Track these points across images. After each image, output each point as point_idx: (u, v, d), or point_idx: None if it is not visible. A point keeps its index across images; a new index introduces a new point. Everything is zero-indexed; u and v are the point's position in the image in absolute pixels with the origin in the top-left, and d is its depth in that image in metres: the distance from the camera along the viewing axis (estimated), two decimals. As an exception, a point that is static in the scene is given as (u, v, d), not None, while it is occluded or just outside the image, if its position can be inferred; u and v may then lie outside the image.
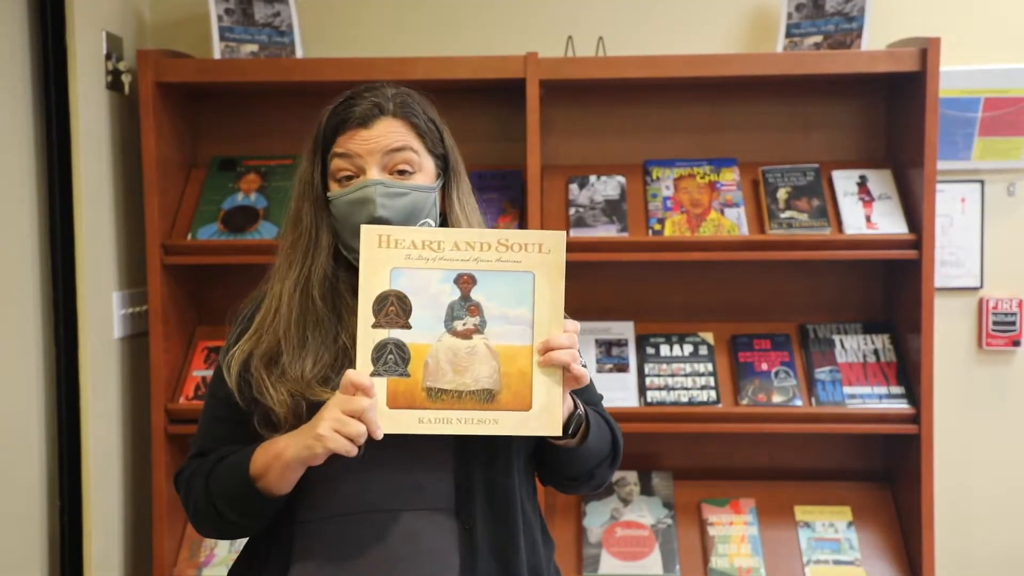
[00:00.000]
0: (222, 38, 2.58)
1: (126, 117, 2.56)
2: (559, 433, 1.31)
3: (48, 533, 2.33)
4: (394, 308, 1.29)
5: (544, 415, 1.29)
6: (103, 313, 2.44)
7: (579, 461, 1.43)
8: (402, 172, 1.40)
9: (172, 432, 2.50)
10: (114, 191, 2.52)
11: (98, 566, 2.39)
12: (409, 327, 1.29)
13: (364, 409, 1.25)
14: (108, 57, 2.48)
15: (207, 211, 2.59)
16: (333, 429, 1.25)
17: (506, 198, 2.59)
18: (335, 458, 1.28)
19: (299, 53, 2.61)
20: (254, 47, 2.60)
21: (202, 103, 2.72)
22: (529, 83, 2.42)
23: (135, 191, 2.58)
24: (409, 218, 1.40)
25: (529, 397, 1.29)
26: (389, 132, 1.40)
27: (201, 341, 2.65)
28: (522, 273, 1.30)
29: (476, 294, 1.30)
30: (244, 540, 1.50)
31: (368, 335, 1.29)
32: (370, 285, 1.30)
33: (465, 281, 1.30)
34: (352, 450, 1.25)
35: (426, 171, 1.43)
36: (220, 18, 2.57)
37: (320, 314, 1.39)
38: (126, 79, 2.55)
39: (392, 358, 1.28)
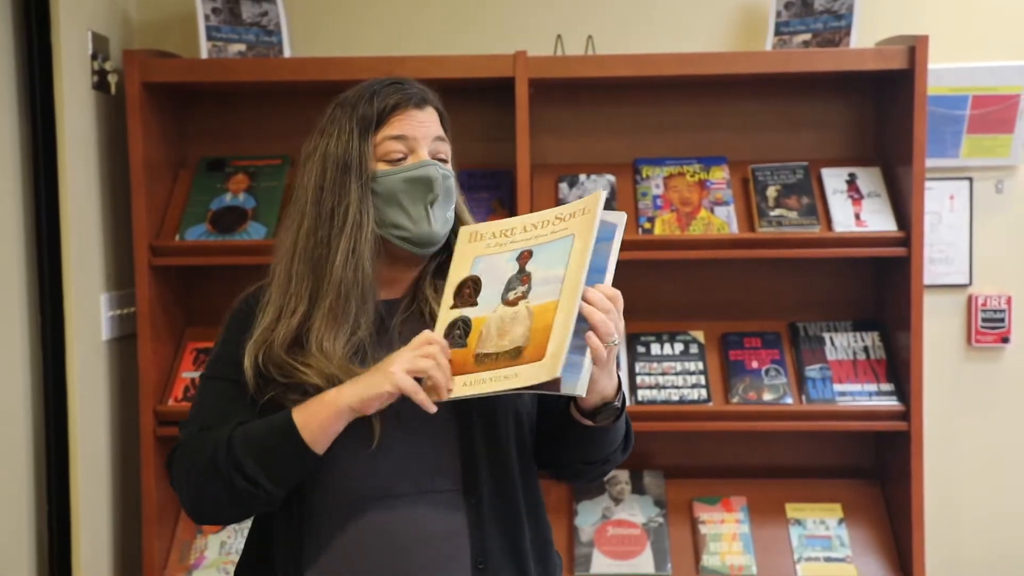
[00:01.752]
0: (209, 38, 2.56)
1: (113, 117, 2.54)
2: (552, 377, 1.27)
3: (36, 536, 2.31)
4: (468, 290, 1.39)
5: (550, 360, 1.28)
6: (91, 315, 2.43)
7: (604, 443, 1.43)
8: (442, 160, 1.48)
9: (161, 434, 2.48)
10: (101, 192, 2.50)
11: (87, 569, 2.38)
12: (476, 304, 1.37)
13: (436, 354, 1.29)
14: (94, 57, 2.46)
15: (195, 212, 2.57)
16: (405, 369, 1.28)
17: (495, 197, 2.58)
18: (345, 442, 1.32)
19: (287, 52, 2.60)
20: (242, 47, 2.58)
21: (189, 103, 2.71)
22: (518, 82, 2.42)
23: (122, 192, 2.56)
24: (449, 200, 1.48)
25: (545, 348, 1.29)
26: (434, 120, 1.48)
27: (190, 343, 2.63)
28: (565, 238, 1.36)
29: (530, 266, 1.37)
30: (240, 542, 1.49)
31: (445, 316, 1.38)
32: (456, 275, 1.41)
33: (524, 256, 1.38)
34: (420, 394, 1.28)
35: (450, 162, 1.51)
36: (207, 17, 2.56)
37: (367, 285, 1.41)
38: (112, 79, 2.53)
39: (458, 332, 1.36)
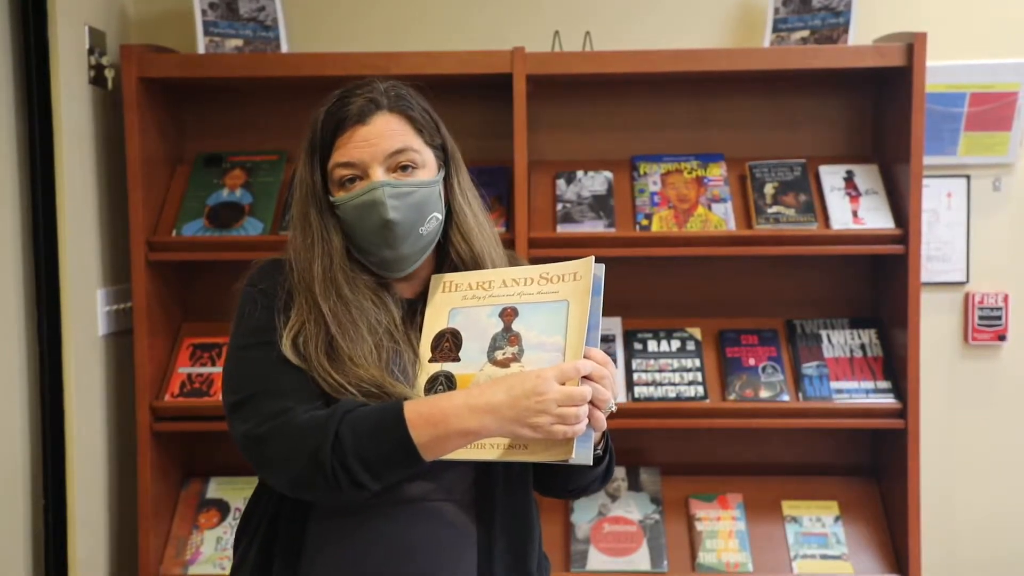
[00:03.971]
0: (206, 33, 2.56)
1: (109, 112, 2.54)
2: (568, 457, 1.28)
3: (32, 532, 2.31)
4: (448, 343, 1.38)
5: (567, 445, 1.28)
6: (87, 310, 2.43)
7: (587, 476, 1.45)
8: (405, 168, 1.40)
9: (157, 430, 2.48)
10: (98, 187, 2.50)
11: (83, 565, 2.38)
12: (459, 359, 1.36)
13: (586, 398, 1.26)
14: (91, 52, 2.45)
15: (192, 207, 2.57)
16: (552, 423, 1.25)
17: (493, 194, 2.58)
18: None
19: (284, 48, 2.59)
20: (239, 42, 2.58)
21: (186, 98, 2.70)
22: (516, 78, 2.42)
23: (119, 187, 2.56)
24: (419, 215, 1.40)
25: None
26: (388, 129, 1.39)
27: (186, 338, 2.63)
28: (558, 303, 1.34)
29: (517, 325, 1.35)
30: (233, 542, 1.47)
31: (424, 370, 1.37)
32: (432, 326, 1.40)
33: (508, 314, 1.36)
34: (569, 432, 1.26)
35: (428, 166, 1.43)
36: (204, 12, 2.55)
37: (356, 304, 1.38)
38: (109, 74, 2.53)
39: (441, 388, 1.35)
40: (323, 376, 1.33)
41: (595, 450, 1.38)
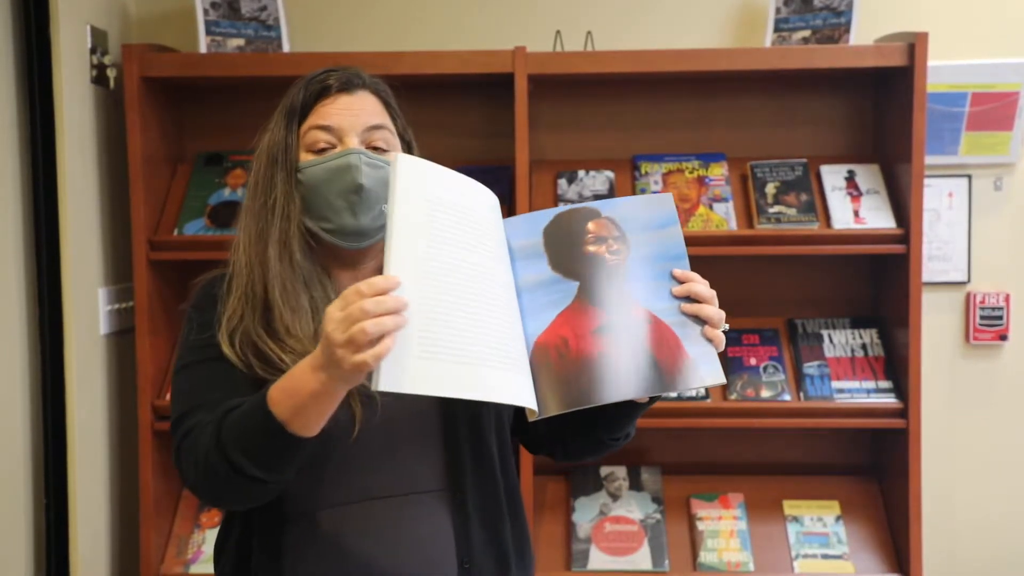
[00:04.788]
0: (208, 32, 2.56)
1: (111, 112, 2.54)
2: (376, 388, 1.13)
3: (34, 530, 2.31)
4: None
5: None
6: (89, 309, 2.43)
7: (636, 416, 1.41)
8: (376, 149, 1.41)
9: (159, 429, 2.48)
10: (99, 186, 2.50)
11: (84, 563, 2.38)
12: None
13: (367, 313, 1.10)
14: (93, 51, 2.46)
15: (193, 206, 2.57)
16: (352, 355, 1.10)
17: (495, 194, 2.57)
18: (325, 443, 1.24)
19: (286, 47, 2.59)
20: (240, 41, 2.58)
21: (188, 98, 2.70)
22: (517, 78, 2.42)
23: (121, 186, 2.56)
24: (384, 192, 1.38)
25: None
26: (368, 106, 1.42)
27: (188, 337, 2.63)
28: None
29: None
30: (213, 566, 1.44)
31: None
32: None
33: None
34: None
35: (394, 152, 1.42)
36: (206, 12, 2.56)
37: (307, 273, 1.37)
38: (111, 73, 2.53)
39: None
40: (260, 352, 1.30)
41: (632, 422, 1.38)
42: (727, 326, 1.31)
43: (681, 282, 1.31)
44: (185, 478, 1.31)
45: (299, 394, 1.17)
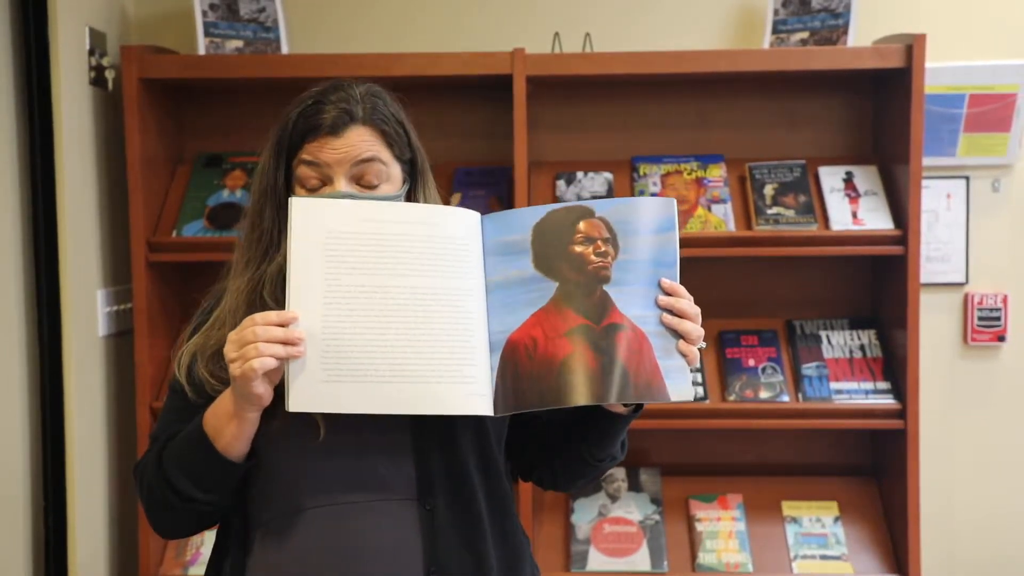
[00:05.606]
0: (207, 34, 2.56)
1: (110, 113, 2.54)
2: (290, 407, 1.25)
3: (32, 533, 2.31)
4: None
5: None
6: (87, 311, 2.43)
7: (619, 434, 1.42)
8: (368, 185, 1.38)
9: (158, 430, 2.48)
10: (98, 188, 2.50)
11: (83, 566, 2.38)
12: None
13: (247, 340, 1.22)
14: (91, 53, 2.46)
15: (192, 208, 2.57)
16: (239, 368, 1.23)
17: (493, 195, 2.58)
18: (290, 447, 1.30)
19: (284, 49, 2.59)
20: (239, 43, 2.58)
21: (187, 99, 2.70)
22: (516, 79, 2.42)
23: (119, 188, 2.56)
24: None
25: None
26: (359, 141, 1.38)
27: (186, 339, 2.63)
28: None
29: None
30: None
31: None
32: None
33: None
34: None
35: (393, 180, 1.41)
36: (205, 13, 2.56)
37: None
38: (110, 75, 2.53)
39: None
40: (206, 379, 1.34)
41: (619, 450, 1.41)
42: (704, 344, 1.31)
43: (668, 293, 1.30)
44: (144, 508, 1.39)
45: (218, 415, 1.28)
